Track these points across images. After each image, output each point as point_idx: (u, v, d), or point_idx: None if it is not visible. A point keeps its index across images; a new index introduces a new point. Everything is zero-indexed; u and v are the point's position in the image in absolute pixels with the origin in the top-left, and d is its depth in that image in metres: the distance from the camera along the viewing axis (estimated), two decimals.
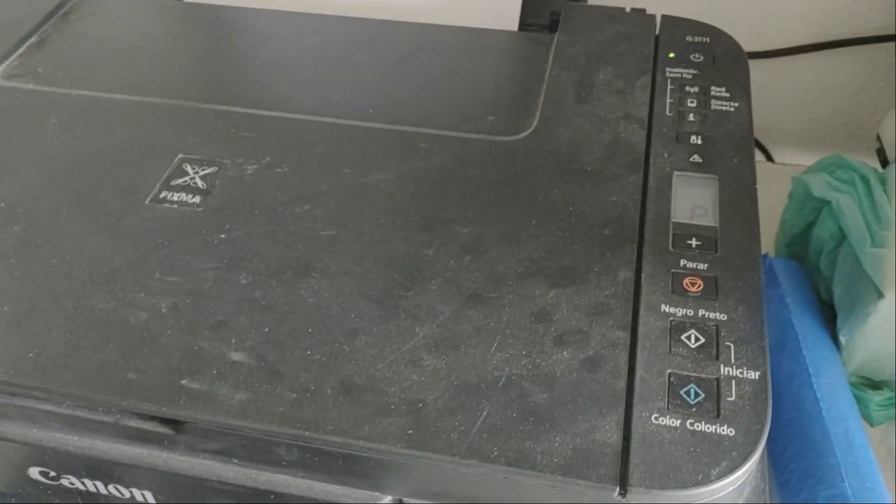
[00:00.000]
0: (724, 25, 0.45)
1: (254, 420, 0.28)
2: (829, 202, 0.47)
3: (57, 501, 0.33)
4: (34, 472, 0.32)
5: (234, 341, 0.30)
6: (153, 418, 0.29)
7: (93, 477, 0.32)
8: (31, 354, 0.30)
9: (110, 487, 0.32)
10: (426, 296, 0.31)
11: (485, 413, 0.28)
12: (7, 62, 0.44)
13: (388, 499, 0.29)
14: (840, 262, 0.46)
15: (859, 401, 0.46)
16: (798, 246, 0.52)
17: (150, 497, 0.32)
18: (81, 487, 0.32)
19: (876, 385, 0.46)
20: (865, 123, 0.66)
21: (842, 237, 0.46)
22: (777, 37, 0.62)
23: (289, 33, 0.47)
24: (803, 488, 0.39)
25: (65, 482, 0.32)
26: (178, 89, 0.42)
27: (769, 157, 0.68)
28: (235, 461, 0.29)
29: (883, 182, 0.46)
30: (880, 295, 0.42)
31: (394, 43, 0.45)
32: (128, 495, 0.32)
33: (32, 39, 0.46)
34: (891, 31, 0.60)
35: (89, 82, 0.42)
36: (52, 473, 0.32)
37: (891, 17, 0.60)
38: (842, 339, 0.45)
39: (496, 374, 0.29)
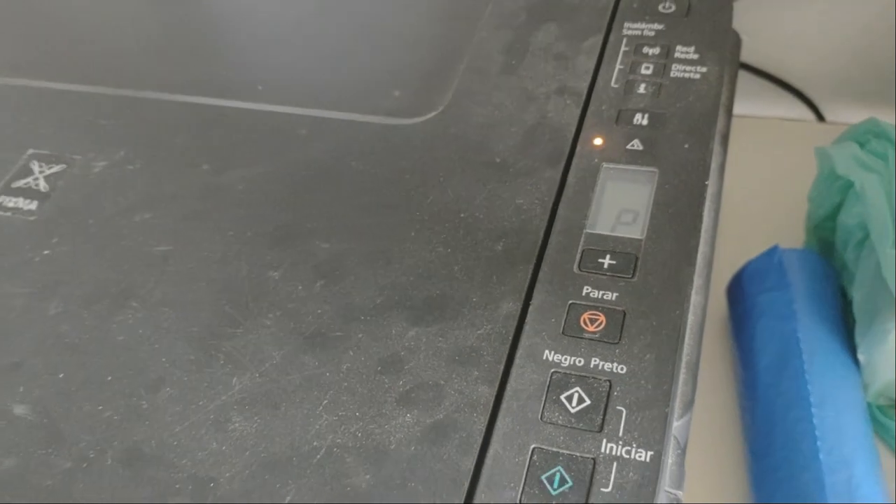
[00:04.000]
0: None
1: (15, 496, 0.23)
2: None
3: None
4: None
5: (21, 390, 0.25)
6: None
7: None
8: None
9: None
10: (256, 334, 0.25)
11: (287, 499, 0.22)
12: None
13: None
14: (863, 259, 0.37)
15: (882, 428, 0.37)
16: (825, 231, 0.42)
17: None
18: None
19: None
20: None
21: None
22: None
23: (179, 4, 0.41)
24: None
25: None
26: (48, 69, 0.37)
27: (819, 116, 0.57)
28: None
29: None
30: None
31: (301, 5, 0.39)
32: None
33: None
34: None
35: None
36: None
37: None
38: (860, 357, 0.36)
39: (315, 444, 0.23)
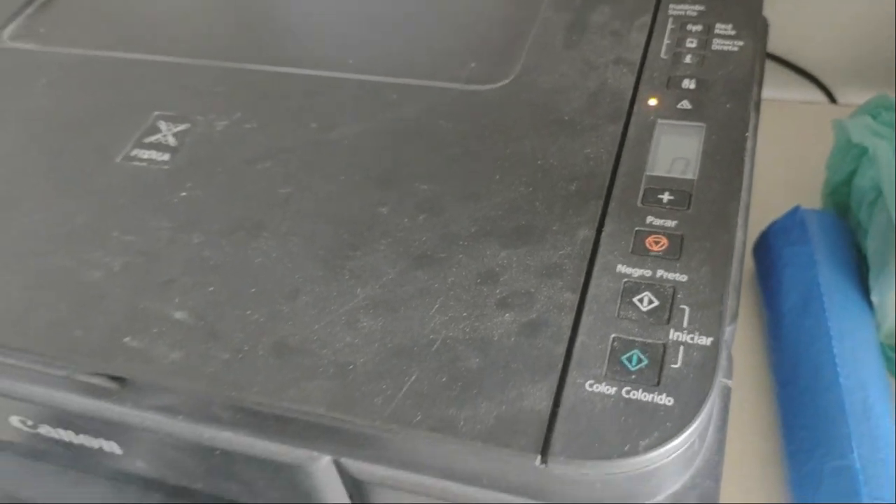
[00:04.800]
0: None
1: (184, 380, 0.28)
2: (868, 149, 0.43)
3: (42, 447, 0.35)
4: (15, 421, 0.34)
5: (177, 301, 0.30)
6: (99, 374, 0.29)
7: (64, 427, 0.33)
8: None
9: (81, 437, 0.33)
10: (373, 256, 0.30)
11: (413, 377, 0.27)
12: (14, 23, 0.45)
13: (327, 458, 0.28)
14: (876, 215, 0.42)
15: (891, 363, 0.42)
16: (841, 196, 0.47)
17: (115, 448, 0.33)
18: (57, 437, 0.33)
19: None
20: None
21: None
22: None
23: None
24: (810, 458, 0.36)
25: (42, 431, 0.33)
26: (166, 46, 0.42)
27: (831, 98, 0.63)
28: (180, 417, 0.30)
29: None
30: None
31: None
32: (97, 445, 0.33)
33: (39, 0, 0.47)
34: None
35: (84, 41, 0.43)
36: (30, 422, 0.33)
37: None
38: (873, 299, 0.41)
39: (431, 336, 0.28)
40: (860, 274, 0.43)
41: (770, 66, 0.61)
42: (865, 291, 0.42)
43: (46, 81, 0.41)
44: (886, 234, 0.40)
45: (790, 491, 0.38)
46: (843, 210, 0.47)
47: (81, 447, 0.33)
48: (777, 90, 0.60)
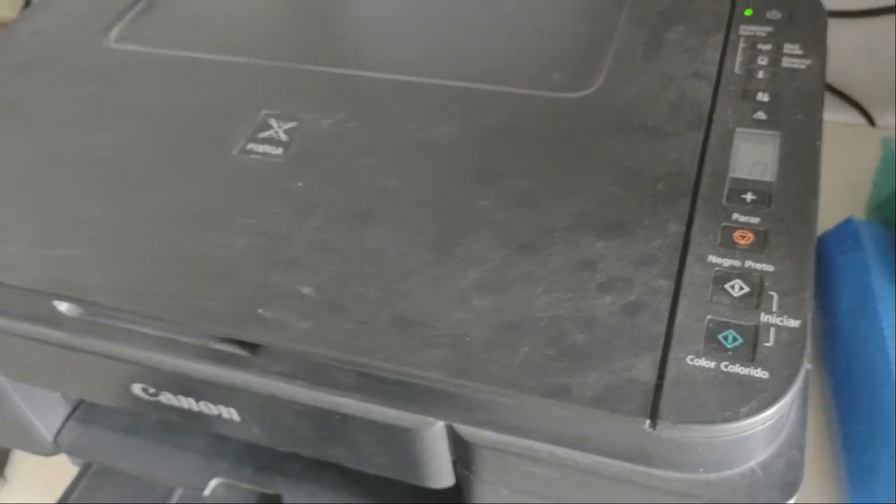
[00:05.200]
0: None
1: (315, 346, 0.30)
2: None
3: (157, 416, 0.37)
4: (137, 389, 0.36)
5: (302, 277, 0.33)
6: (232, 341, 0.32)
7: (186, 394, 0.35)
8: (129, 283, 0.33)
9: (201, 404, 0.35)
10: (478, 244, 0.33)
11: (525, 349, 0.29)
12: (118, 26, 0.48)
13: (440, 423, 0.31)
14: None
15: None
16: (887, 210, 0.50)
17: (234, 415, 0.35)
18: (177, 404, 0.36)
19: None
20: None
21: None
22: None
23: None
24: (868, 450, 0.39)
25: (162, 398, 0.36)
26: (266, 50, 0.45)
27: (871, 121, 0.66)
28: (302, 383, 0.32)
29: None
30: None
31: (468, 4, 0.47)
32: (216, 412, 0.36)
33: (140, 5, 0.50)
34: None
35: (188, 44, 0.46)
36: (152, 390, 0.36)
37: None
38: None
39: (539, 315, 0.30)
40: None
41: None
42: None
43: (156, 80, 0.44)
44: None
45: (846, 483, 0.40)
46: (889, 223, 0.50)
47: (200, 414, 0.36)
48: None
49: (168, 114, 0.42)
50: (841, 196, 0.56)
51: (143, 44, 0.47)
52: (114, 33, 0.48)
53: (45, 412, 0.46)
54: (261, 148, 0.39)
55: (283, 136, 0.39)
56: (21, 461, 0.55)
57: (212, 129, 0.40)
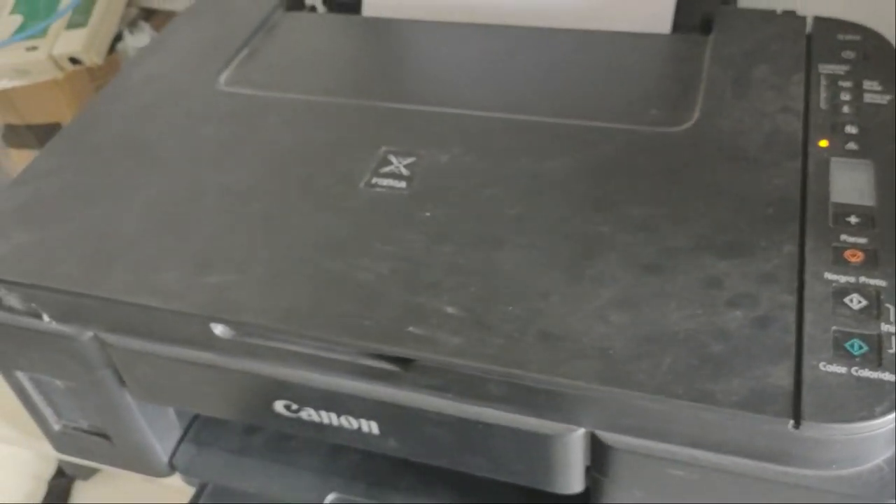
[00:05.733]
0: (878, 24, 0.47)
1: (469, 359, 0.33)
2: None
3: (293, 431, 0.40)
4: (279, 406, 0.39)
5: (446, 298, 0.35)
6: (385, 357, 0.35)
7: (328, 409, 0.38)
8: (281, 306, 0.36)
9: (342, 419, 0.38)
10: (606, 265, 0.36)
11: (668, 359, 0.32)
12: (227, 71, 0.52)
13: (581, 430, 0.34)
14: None
15: None
16: None
17: (374, 428, 0.38)
18: (317, 419, 0.39)
19: None
20: None
21: None
22: None
23: (460, 41, 0.53)
24: None
25: (303, 415, 0.39)
26: (372, 92, 0.49)
27: None
28: (451, 396, 0.35)
29: None
30: None
31: (555, 48, 0.51)
32: (356, 426, 0.38)
33: (245, 51, 0.54)
34: None
35: (297, 87, 0.50)
36: (295, 406, 0.39)
37: None
38: None
39: (675, 328, 0.33)
40: None
41: None
42: None
43: (273, 121, 0.47)
44: None
45: None
46: None
47: (339, 429, 0.38)
48: None
49: (291, 152, 0.45)
50: None
51: (254, 87, 0.50)
52: (223, 77, 0.51)
53: (163, 434, 0.48)
54: (385, 182, 0.42)
55: (405, 171, 0.42)
56: (82, 490, 0.58)
57: (335, 166, 0.43)
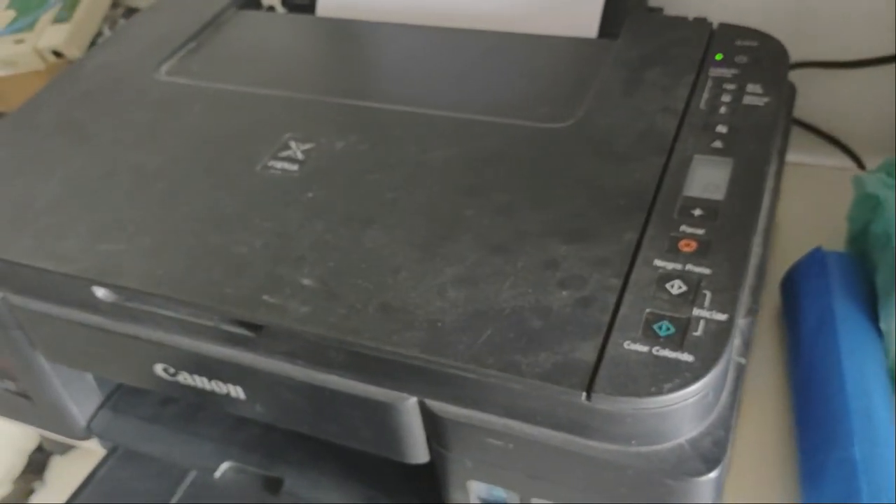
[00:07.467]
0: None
1: (312, 326, 0.36)
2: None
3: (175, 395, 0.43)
4: (159, 369, 0.42)
5: (305, 270, 0.38)
6: (240, 323, 0.38)
7: (200, 374, 0.41)
8: (159, 272, 0.39)
9: (212, 383, 0.41)
10: (459, 245, 0.38)
11: (488, 332, 0.34)
12: (170, 61, 0.56)
13: (413, 399, 0.36)
14: (886, 253, 0.48)
15: None
16: (860, 242, 0.54)
17: (241, 393, 0.40)
18: (192, 383, 0.42)
19: None
20: None
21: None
22: (868, 46, 0.64)
23: (391, 40, 0.56)
24: (818, 452, 0.42)
25: (180, 378, 0.42)
26: (294, 84, 0.52)
27: (860, 165, 0.69)
28: (301, 363, 0.37)
29: None
30: None
31: (476, 48, 0.53)
32: (226, 391, 0.41)
33: (191, 44, 0.57)
34: None
35: (228, 78, 0.53)
36: (172, 370, 0.42)
37: None
38: (882, 326, 0.47)
39: (503, 305, 0.35)
40: (873, 305, 0.49)
41: (805, 135, 0.68)
42: (876, 319, 0.48)
43: (198, 108, 0.50)
44: (891, 268, 0.47)
45: (800, 483, 0.44)
46: (863, 255, 0.53)
47: (212, 393, 0.41)
48: (811, 156, 0.68)
49: (206, 136, 0.48)
50: (829, 233, 0.60)
51: (189, 77, 0.54)
52: (164, 68, 0.55)
53: (81, 399, 0.51)
54: (280, 165, 0.45)
55: (300, 155, 0.45)
56: (57, 465, 0.61)
57: (241, 150, 0.46)
